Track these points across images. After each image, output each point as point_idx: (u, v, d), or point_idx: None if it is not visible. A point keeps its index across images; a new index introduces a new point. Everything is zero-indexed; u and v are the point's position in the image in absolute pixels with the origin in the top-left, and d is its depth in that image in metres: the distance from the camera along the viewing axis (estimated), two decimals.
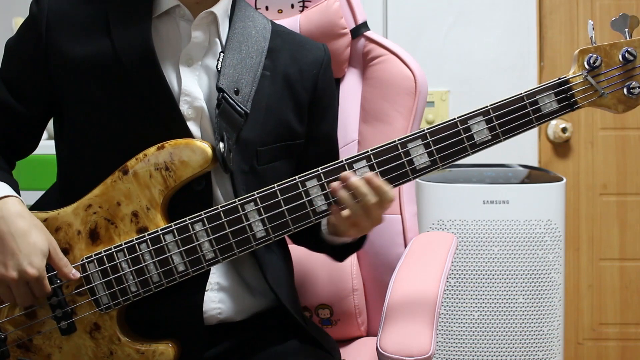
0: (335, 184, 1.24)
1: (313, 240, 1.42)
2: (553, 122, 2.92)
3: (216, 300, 1.32)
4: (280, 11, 1.83)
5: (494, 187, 2.39)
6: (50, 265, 1.25)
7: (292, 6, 1.83)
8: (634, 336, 2.95)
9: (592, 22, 1.29)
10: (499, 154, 2.71)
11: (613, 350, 2.95)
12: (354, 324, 1.71)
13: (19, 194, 1.30)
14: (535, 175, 2.58)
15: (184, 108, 1.30)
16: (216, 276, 1.33)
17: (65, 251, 1.27)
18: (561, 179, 2.44)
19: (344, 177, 1.23)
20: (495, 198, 2.37)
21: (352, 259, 1.70)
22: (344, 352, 1.68)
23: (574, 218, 2.92)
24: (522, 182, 2.47)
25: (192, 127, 1.30)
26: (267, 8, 1.82)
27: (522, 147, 2.86)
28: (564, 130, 2.91)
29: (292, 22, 1.77)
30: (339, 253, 1.44)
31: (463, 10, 2.86)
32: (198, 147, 1.26)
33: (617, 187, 2.93)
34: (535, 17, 2.86)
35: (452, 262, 1.65)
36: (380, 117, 1.77)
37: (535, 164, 2.88)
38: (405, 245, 1.73)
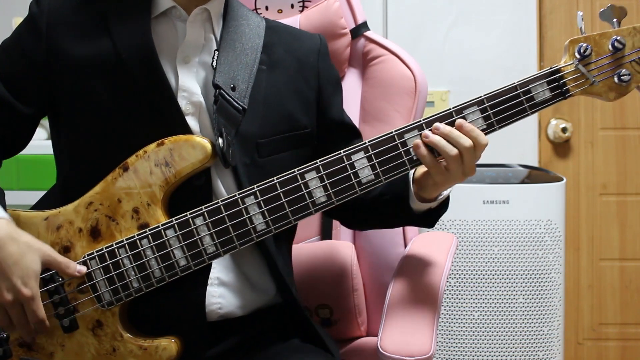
0: (426, 132, 1.26)
1: (399, 210, 1.42)
2: (553, 122, 2.92)
3: (216, 295, 1.33)
4: (280, 11, 1.83)
5: (494, 187, 2.39)
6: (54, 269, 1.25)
7: (292, 6, 1.83)
8: (634, 336, 2.95)
9: (581, 13, 1.32)
10: (499, 154, 2.72)
11: (613, 350, 2.96)
12: (354, 324, 1.71)
13: (5, 203, 1.29)
14: (535, 175, 2.58)
15: (182, 103, 1.31)
16: (216, 271, 1.33)
17: (67, 249, 1.27)
18: (561, 179, 2.44)
19: (435, 127, 1.26)
20: (495, 198, 2.37)
21: (352, 259, 1.70)
22: (344, 352, 1.68)
23: (574, 218, 2.93)
24: (522, 182, 2.47)
25: (191, 121, 1.31)
26: (267, 8, 1.83)
27: (522, 147, 2.86)
28: (564, 130, 2.91)
29: (292, 22, 1.78)
30: (427, 219, 1.43)
31: (463, 10, 2.87)
32: (198, 142, 1.27)
33: (617, 187, 2.93)
34: (535, 17, 2.87)
35: (452, 262, 1.65)
36: (380, 117, 1.77)
37: (535, 164, 2.88)
38: (405, 245, 1.74)
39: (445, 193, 1.37)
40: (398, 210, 1.42)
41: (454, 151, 1.25)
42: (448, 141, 1.25)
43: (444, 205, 1.41)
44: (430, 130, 1.26)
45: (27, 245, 1.22)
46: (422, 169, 1.32)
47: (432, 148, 1.26)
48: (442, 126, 1.26)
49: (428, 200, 1.36)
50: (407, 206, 1.39)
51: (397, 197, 1.39)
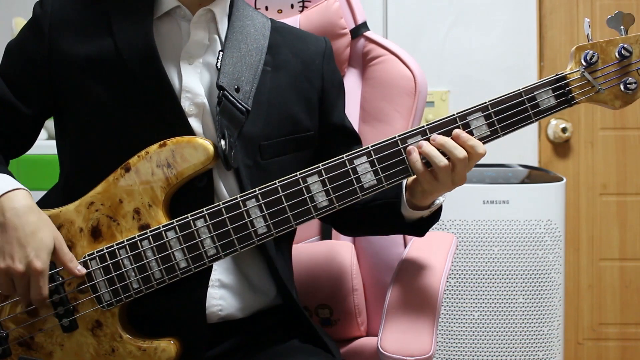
0: (421, 142, 1.26)
1: (390, 216, 1.41)
2: (553, 122, 2.92)
3: (217, 297, 1.32)
4: (280, 11, 1.83)
5: (494, 187, 2.39)
6: (55, 261, 1.25)
7: (292, 6, 1.83)
8: (634, 336, 2.95)
9: (588, 20, 1.31)
10: (499, 154, 2.72)
11: (613, 350, 2.96)
12: (354, 323, 1.71)
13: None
14: (535, 175, 2.58)
15: (185, 104, 1.31)
16: (217, 273, 1.33)
17: (67, 248, 1.27)
18: (561, 179, 2.44)
19: (432, 138, 1.25)
20: (495, 198, 2.37)
21: (352, 259, 1.70)
22: (344, 352, 1.68)
23: (574, 218, 2.93)
24: (522, 182, 2.47)
25: (194, 123, 1.31)
26: (266, 8, 1.83)
27: (522, 147, 2.86)
28: (564, 130, 2.91)
29: (292, 22, 1.78)
30: (418, 228, 1.43)
31: (463, 10, 2.87)
32: (200, 144, 1.26)
33: (617, 187, 2.93)
34: (535, 17, 2.87)
35: (452, 262, 1.65)
36: (379, 117, 1.77)
37: (535, 164, 2.88)
38: (405, 245, 1.73)
39: (437, 202, 1.37)
40: (389, 217, 1.41)
41: (443, 162, 1.24)
42: (442, 152, 1.25)
43: (436, 215, 1.41)
44: (427, 139, 1.26)
45: (45, 220, 1.24)
46: (414, 176, 1.32)
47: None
48: (438, 137, 1.25)
49: (419, 207, 1.36)
50: (398, 213, 1.39)
51: (389, 203, 1.39)
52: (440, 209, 1.41)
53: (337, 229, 1.59)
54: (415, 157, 1.26)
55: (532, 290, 2.35)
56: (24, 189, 1.26)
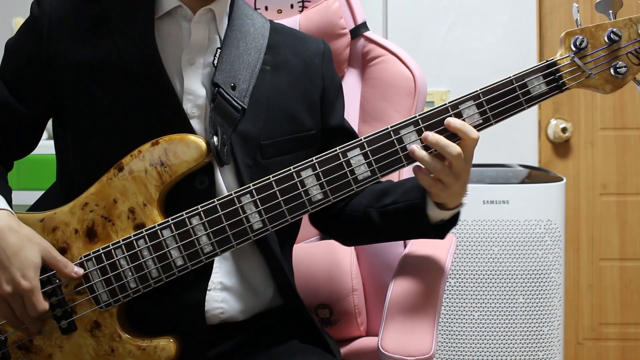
0: (413, 147, 1.25)
1: (414, 219, 1.39)
2: (553, 122, 2.92)
3: (219, 299, 1.32)
4: (279, 11, 1.83)
5: (494, 187, 2.39)
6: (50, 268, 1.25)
7: (292, 6, 1.83)
8: (634, 336, 2.95)
9: (577, 5, 1.31)
10: (499, 154, 2.72)
11: (613, 350, 2.95)
12: (354, 323, 1.71)
13: (11, 201, 1.30)
14: (535, 175, 2.58)
15: (187, 107, 1.30)
16: (219, 276, 1.33)
17: (63, 250, 1.26)
18: (561, 179, 2.44)
19: (424, 137, 1.25)
20: (495, 198, 2.37)
21: (352, 259, 1.70)
22: (344, 352, 1.68)
23: (574, 218, 2.93)
24: (522, 182, 2.47)
25: (196, 125, 1.30)
26: (266, 8, 1.83)
27: (522, 147, 2.86)
28: (564, 130, 2.91)
29: (292, 22, 1.78)
30: (439, 230, 1.40)
31: (463, 10, 2.87)
32: (192, 141, 1.26)
33: (617, 187, 2.93)
34: (535, 17, 2.87)
35: (452, 262, 1.65)
36: (379, 117, 1.77)
37: (535, 164, 2.88)
38: (405, 245, 1.73)
39: (459, 203, 1.35)
40: (413, 220, 1.38)
41: (438, 167, 1.24)
42: (437, 149, 1.24)
43: (456, 217, 1.39)
44: (420, 139, 1.25)
45: (27, 238, 1.22)
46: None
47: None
48: (430, 135, 1.24)
49: (445, 207, 1.34)
50: (423, 214, 1.36)
51: (414, 204, 1.37)
52: (459, 212, 1.40)
53: (343, 241, 1.57)
54: (423, 174, 1.26)
55: (532, 290, 2.35)
56: (4, 209, 1.25)
